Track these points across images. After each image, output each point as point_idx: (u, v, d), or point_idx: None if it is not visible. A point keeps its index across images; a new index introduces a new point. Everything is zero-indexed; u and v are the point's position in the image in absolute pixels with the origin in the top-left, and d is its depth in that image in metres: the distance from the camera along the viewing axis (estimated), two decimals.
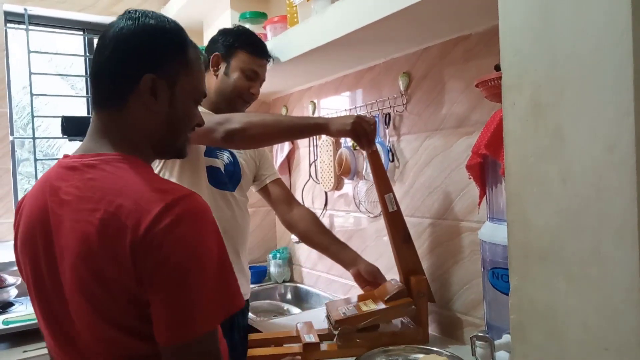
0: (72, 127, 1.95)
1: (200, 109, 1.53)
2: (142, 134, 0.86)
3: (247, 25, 1.88)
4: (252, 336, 1.48)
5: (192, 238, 0.74)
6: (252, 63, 1.52)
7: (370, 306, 1.40)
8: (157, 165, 1.46)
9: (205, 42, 2.43)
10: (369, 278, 1.50)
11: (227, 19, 2.25)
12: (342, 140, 1.95)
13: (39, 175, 1.88)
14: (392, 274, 1.51)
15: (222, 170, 1.51)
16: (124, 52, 0.84)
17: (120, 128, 0.85)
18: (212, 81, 1.54)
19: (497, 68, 1.09)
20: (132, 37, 0.84)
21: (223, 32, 1.58)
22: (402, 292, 1.39)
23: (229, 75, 1.51)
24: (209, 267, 0.75)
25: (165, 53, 0.86)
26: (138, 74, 0.83)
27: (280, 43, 1.68)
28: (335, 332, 1.36)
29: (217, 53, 1.53)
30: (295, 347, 1.38)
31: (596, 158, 0.58)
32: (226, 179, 1.52)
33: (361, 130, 1.33)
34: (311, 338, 1.37)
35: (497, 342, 1.04)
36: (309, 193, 2.24)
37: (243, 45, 1.52)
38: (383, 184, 1.45)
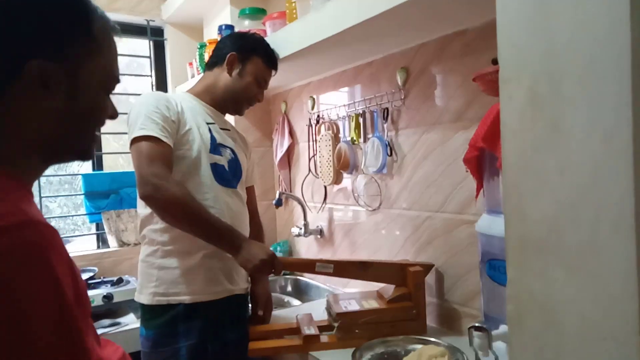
0: None
1: (204, 108, 1.55)
2: (22, 137, 0.64)
3: (247, 22, 1.89)
4: (253, 328, 1.51)
5: (12, 283, 0.52)
6: (265, 71, 1.59)
7: (372, 304, 1.43)
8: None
9: (206, 39, 2.45)
10: (264, 305, 1.60)
11: (227, 16, 2.25)
12: (342, 134, 1.96)
13: (42, 179, 1.88)
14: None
15: (226, 167, 1.52)
16: None
17: None
18: (223, 78, 1.55)
19: (495, 62, 1.10)
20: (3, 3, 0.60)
21: (242, 36, 1.63)
22: (405, 295, 1.43)
23: (243, 78, 1.55)
24: (41, 324, 0.54)
25: (60, 26, 0.62)
26: (17, 59, 0.60)
27: (279, 39, 1.69)
28: (335, 325, 1.38)
29: (234, 53, 1.54)
30: (296, 339, 1.39)
31: (594, 149, 0.58)
32: (230, 176, 1.52)
33: (265, 269, 1.37)
34: (311, 330, 1.39)
35: (494, 332, 1.05)
36: (308, 187, 2.25)
37: (261, 52, 1.58)
38: (307, 267, 1.50)
